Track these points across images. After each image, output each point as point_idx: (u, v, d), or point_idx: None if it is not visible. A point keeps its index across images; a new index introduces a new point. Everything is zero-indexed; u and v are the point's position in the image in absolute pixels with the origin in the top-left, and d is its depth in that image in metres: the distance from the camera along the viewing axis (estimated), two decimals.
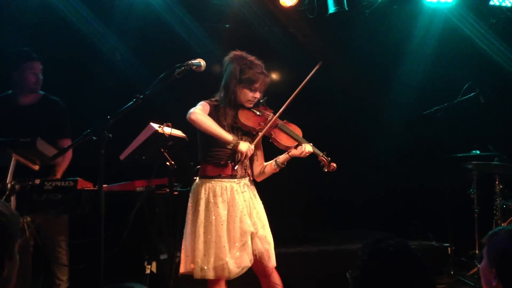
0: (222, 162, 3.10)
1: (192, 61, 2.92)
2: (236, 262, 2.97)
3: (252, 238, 3.05)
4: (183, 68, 2.86)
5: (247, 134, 3.20)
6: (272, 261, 3.11)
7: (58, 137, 3.78)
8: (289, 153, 3.16)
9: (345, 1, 5.16)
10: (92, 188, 2.97)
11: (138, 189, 3.11)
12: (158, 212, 3.28)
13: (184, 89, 4.92)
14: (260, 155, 3.28)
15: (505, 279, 1.77)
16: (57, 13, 4.84)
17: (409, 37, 5.92)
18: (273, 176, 3.30)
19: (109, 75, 5.07)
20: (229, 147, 3.07)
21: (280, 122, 3.24)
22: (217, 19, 5.54)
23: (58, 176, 3.66)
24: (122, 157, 3.11)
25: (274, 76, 6.71)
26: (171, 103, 5.15)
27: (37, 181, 2.85)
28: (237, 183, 3.11)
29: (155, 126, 3.08)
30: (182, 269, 3.05)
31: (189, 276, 3.09)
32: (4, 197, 2.73)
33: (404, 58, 6.03)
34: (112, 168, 3.15)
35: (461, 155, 4.86)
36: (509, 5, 5.65)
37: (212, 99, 3.23)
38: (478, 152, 4.81)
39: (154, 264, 3.35)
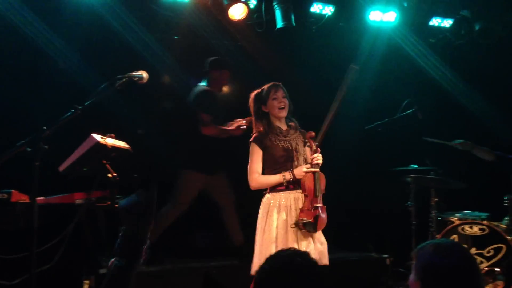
0: None
1: (134, 73, 2.91)
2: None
3: (313, 239, 3.43)
4: (124, 80, 2.84)
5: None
6: (323, 261, 3.43)
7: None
8: None
9: (292, 17, 5.29)
10: (27, 201, 2.88)
11: (77, 201, 3.05)
12: (99, 225, 3.23)
13: (132, 98, 4.90)
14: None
15: None
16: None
17: (355, 54, 6.09)
18: None
19: (57, 81, 4.97)
20: (287, 182, 3.44)
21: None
22: (166, 30, 5.53)
23: None
24: (61, 168, 3.05)
25: (224, 88, 6.76)
26: (119, 113, 5.11)
27: None
28: (302, 193, 3.45)
29: (97, 137, 3.04)
30: (252, 272, 3.30)
31: None
32: None
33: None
34: (52, 180, 3.09)
35: (400, 168, 5.03)
36: (447, 26, 5.96)
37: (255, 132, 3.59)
38: (416, 166, 5.01)
39: (92, 279, 3.28)
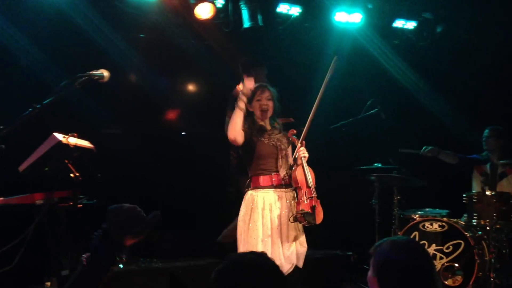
0: (272, 173, 3.53)
1: (94, 72, 2.88)
2: (287, 259, 3.44)
3: (295, 240, 3.51)
4: (84, 78, 2.81)
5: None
6: (299, 263, 3.53)
7: None
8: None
9: (259, 17, 5.32)
10: None
11: (38, 202, 2.99)
12: (60, 226, 3.18)
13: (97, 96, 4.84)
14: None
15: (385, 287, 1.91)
16: None
17: (321, 54, 6.17)
18: None
19: (20, 79, 4.88)
20: (243, 99, 3.48)
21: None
22: (132, 28, 5.47)
23: None
24: (21, 168, 2.99)
25: (191, 87, 6.75)
26: (84, 112, 5.05)
27: None
28: (285, 192, 3.53)
29: (59, 136, 2.99)
30: None
31: None
32: None
33: (316, 73, 6.26)
34: (12, 180, 3.03)
35: (364, 167, 5.12)
36: (411, 27, 6.10)
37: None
38: (379, 164, 5.11)
39: (54, 280, 3.24)
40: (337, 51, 3.77)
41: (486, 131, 5.27)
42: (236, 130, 3.46)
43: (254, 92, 3.61)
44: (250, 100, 3.59)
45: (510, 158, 4.83)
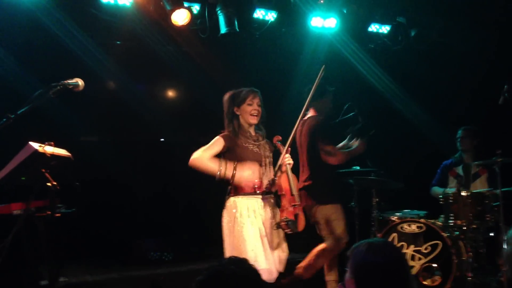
0: (255, 180, 3.53)
1: (69, 81, 2.86)
2: (274, 265, 3.48)
3: (278, 247, 3.55)
4: (58, 87, 2.79)
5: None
6: (280, 268, 3.59)
7: None
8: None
9: (236, 22, 5.34)
10: None
11: (15, 212, 2.96)
12: (38, 235, 3.14)
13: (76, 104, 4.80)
14: None
15: None
16: None
17: (298, 59, 6.23)
18: None
19: None
20: (219, 178, 3.47)
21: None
22: (108, 35, 5.44)
23: None
24: None
25: (168, 93, 6.74)
26: (60, 120, 5.00)
27: None
28: (267, 199, 3.55)
29: (35, 145, 2.96)
30: None
31: None
32: None
33: (293, 78, 6.33)
34: None
35: (342, 170, 5.17)
36: (385, 31, 6.19)
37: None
38: (358, 167, 5.16)
39: None
40: (325, 61, 3.85)
41: (460, 131, 5.38)
42: (195, 167, 3.50)
43: (245, 96, 3.62)
44: (239, 103, 3.61)
45: (483, 159, 4.93)
